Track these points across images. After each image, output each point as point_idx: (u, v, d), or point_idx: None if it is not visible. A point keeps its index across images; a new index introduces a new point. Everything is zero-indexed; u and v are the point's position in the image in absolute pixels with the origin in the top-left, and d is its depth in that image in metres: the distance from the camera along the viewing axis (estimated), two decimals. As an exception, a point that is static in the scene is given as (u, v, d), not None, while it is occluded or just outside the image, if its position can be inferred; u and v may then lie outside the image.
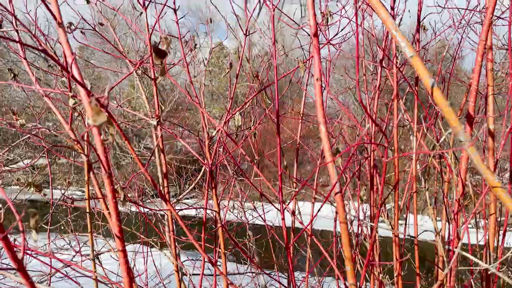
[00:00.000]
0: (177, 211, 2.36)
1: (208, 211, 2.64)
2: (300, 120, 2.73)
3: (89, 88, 1.07)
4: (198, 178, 2.81)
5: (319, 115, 1.25)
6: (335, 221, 2.18)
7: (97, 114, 0.68)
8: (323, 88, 1.32)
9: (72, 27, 1.40)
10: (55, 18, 1.11)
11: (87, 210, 2.03)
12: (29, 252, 1.22)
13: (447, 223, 2.37)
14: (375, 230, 1.46)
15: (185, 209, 1.84)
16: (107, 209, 1.87)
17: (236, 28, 2.73)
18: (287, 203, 1.45)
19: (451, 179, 2.40)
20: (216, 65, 27.12)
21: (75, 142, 1.85)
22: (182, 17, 2.01)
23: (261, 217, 2.33)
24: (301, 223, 1.79)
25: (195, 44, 2.73)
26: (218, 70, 26.26)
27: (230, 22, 3.12)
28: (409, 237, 2.42)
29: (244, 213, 3.66)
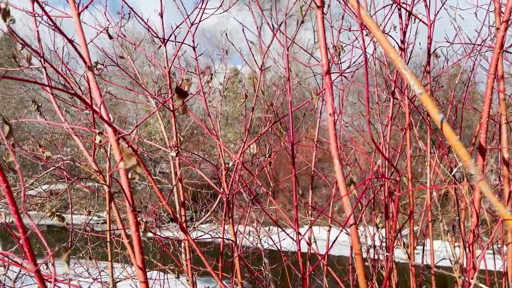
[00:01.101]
0: (194, 240, 2.40)
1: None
2: (315, 148, 2.77)
3: (115, 127, 1.14)
4: (215, 205, 2.85)
5: (332, 149, 1.29)
6: (351, 249, 2.19)
7: (128, 159, 0.74)
8: (336, 122, 1.37)
9: (99, 66, 1.50)
10: (85, 62, 1.20)
11: (108, 239, 2.09)
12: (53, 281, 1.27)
13: (464, 251, 2.35)
14: (390, 261, 1.48)
15: (201, 238, 1.88)
16: (127, 238, 1.92)
17: (249, 54, 2.81)
18: (303, 234, 1.48)
19: (467, 206, 2.40)
20: (230, 90, 27.46)
21: (98, 173, 1.93)
22: (201, 54, 2.11)
23: (276, 246, 2.35)
24: (317, 253, 1.81)
25: (211, 75, 2.83)
26: (233, 94, 26.60)
27: (244, 49, 3.21)
28: (426, 266, 2.40)
29: (260, 240, 3.68)
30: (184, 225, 2.32)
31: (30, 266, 0.89)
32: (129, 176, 0.83)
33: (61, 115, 1.77)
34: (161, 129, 2.70)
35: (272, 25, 2.29)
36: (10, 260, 1.25)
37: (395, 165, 1.84)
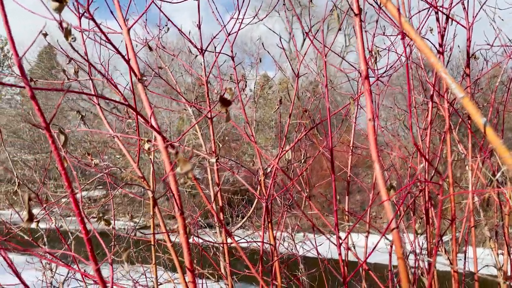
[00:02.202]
0: (234, 244, 2.45)
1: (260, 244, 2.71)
2: (351, 153, 2.77)
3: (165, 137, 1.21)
4: (251, 210, 2.90)
5: (373, 154, 1.31)
6: (390, 255, 2.17)
7: (184, 164, 0.80)
8: (375, 127, 1.38)
9: (144, 79, 1.58)
10: (135, 75, 1.28)
11: (152, 243, 2.18)
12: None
13: (509, 257, 2.28)
14: (433, 266, 1.46)
15: (242, 242, 1.92)
16: (170, 241, 1.99)
17: (280, 61, 2.85)
18: (343, 239, 1.49)
19: (511, 212, 2.33)
20: (261, 96, 27.61)
21: (142, 179, 2.02)
22: (239, 64, 2.17)
23: (315, 250, 2.36)
24: (357, 257, 1.82)
25: (246, 82, 2.89)
26: (263, 101, 26.73)
27: (274, 55, 3.26)
28: (469, 272, 2.35)
29: (295, 245, 3.69)
30: (224, 229, 2.37)
31: (92, 266, 0.96)
32: (182, 180, 0.88)
33: (107, 125, 1.87)
34: (197, 136, 2.78)
35: (303, 31, 2.32)
36: (61, 262, 1.34)
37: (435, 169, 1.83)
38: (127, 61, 1.25)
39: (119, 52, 1.20)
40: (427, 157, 2.22)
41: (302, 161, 2.77)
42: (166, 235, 1.95)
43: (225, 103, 1.19)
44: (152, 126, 1.20)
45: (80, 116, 2.79)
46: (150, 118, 1.21)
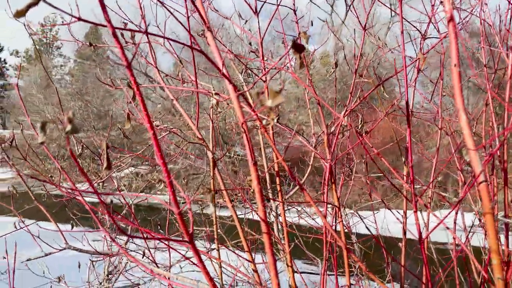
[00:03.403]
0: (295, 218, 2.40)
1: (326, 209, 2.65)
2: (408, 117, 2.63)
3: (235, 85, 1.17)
4: (306, 176, 2.85)
5: (458, 102, 1.21)
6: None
7: (274, 97, 0.75)
8: (460, 74, 1.27)
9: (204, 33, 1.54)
10: (204, 23, 1.24)
11: (212, 201, 2.16)
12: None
13: None
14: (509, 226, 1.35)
15: (304, 202, 1.87)
16: (231, 202, 1.98)
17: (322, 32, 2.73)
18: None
19: None
20: (302, 72, 27.17)
21: (201, 140, 2.02)
22: (301, 17, 2.08)
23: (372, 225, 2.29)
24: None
25: (308, 38, 2.79)
26: (304, 76, 26.31)
27: (316, 27, 3.12)
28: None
29: (346, 216, 3.63)
30: (272, 197, 2.35)
31: (187, 237, 0.95)
32: (266, 122, 0.84)
33: (167, 88, 1.85)
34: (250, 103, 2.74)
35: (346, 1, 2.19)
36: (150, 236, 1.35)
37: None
38: (197, 9, 1.21)
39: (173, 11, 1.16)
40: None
41: (360, 126, 2.66)
42: (225, 192, 1.95)
43: (298, 48, 1.12)
44: (223, 75, 1.16)
45: (132, 93, 2.81)
46: (222, 66, 1.17)
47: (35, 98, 29.25)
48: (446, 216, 1.53)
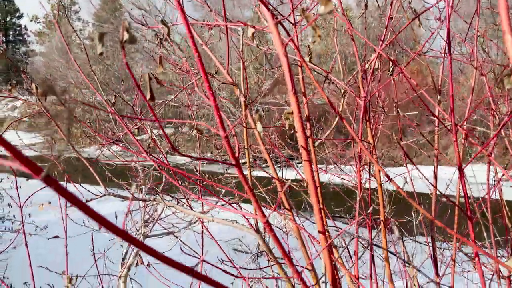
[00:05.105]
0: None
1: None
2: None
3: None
4: (334, 125, 2.84)
5: (505, 23, 1.16)
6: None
7: (325, 5, 0.74)
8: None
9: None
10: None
11: (246, 147, 2.20)
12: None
13: None
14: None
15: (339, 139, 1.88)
16: (267, 144, 2.00)
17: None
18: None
19: None
20: (321, 27, 26.45)
21: (233, 85, 2.02)
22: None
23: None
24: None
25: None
26: (325, 31, 25.56)
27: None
28: None
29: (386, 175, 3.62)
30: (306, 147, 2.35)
31: (232, 161, 0.97)
32: (314, 38, 0.83)
33: (196, 37, 1.84)
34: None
35: None
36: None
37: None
38: None
39: None
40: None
41: (391, 69, 2.61)
42: (262, 146, 1.96)
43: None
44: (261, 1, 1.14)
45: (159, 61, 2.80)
46: (260, -8, 1.15)
47: (57, 63, 29.59)
48: (483, 148, 1.52)
